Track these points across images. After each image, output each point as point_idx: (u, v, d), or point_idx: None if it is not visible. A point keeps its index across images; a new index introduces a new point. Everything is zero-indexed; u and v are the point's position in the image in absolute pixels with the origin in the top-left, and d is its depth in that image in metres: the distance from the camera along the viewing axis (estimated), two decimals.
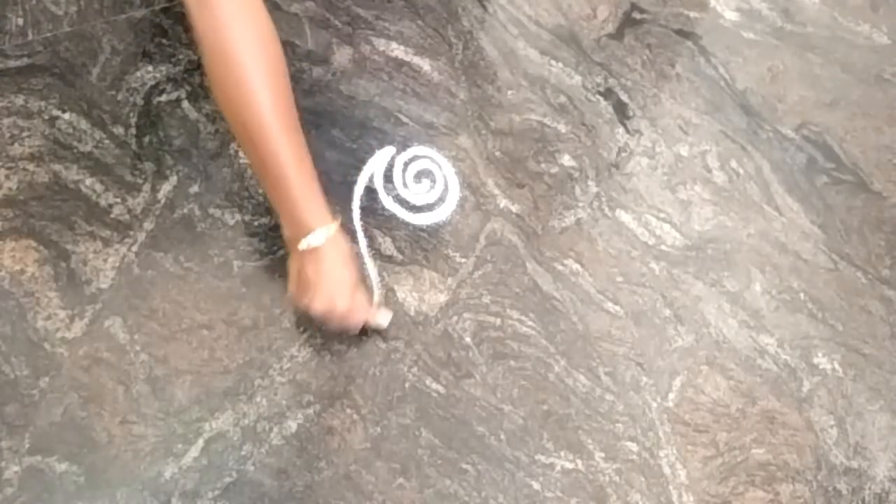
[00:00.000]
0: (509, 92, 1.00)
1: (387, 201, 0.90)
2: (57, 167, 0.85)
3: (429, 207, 0.91)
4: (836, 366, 0.93)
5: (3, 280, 0.79)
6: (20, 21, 0.91)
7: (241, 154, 0.89)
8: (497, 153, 0.96)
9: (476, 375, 0.84)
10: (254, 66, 0.65)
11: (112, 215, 0.84)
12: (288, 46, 0.96)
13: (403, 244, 0.89)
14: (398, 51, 0.99)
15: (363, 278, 0.80)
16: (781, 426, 0.88)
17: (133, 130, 0.88)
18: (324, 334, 0.82)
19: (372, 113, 0.95)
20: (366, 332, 0.82)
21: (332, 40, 0.98)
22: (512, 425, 0.83)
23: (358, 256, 0.84)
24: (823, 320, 0.95)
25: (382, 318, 0.81)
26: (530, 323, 0.88)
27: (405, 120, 0.96)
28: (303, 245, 0.71)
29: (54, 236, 0.82)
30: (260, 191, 0.88)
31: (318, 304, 0.73)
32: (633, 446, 0.84)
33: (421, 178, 0.93)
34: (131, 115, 0.89)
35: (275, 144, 0.67)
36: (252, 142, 0.68)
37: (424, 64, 0.99)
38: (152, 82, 0.90)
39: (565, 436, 0.84)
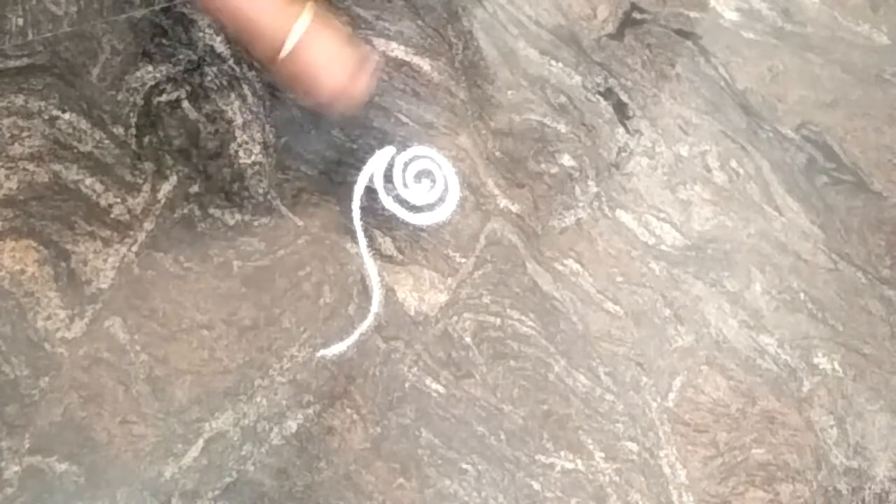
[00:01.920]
0: (509, 92, 1.00)
1: (387, 201, 0.90)
2: (57, 167, 0.85)
3: (429, 207, 0.91)
4: (836, 366, 0.93)
5: (3, 280, 0.79)
6: (20, 21, 0.91)
7: (240, 154, 0.89)
8: (497, 153, 0.96)
9: (476, 375, 0.84)
10: None
11: (112, 215, 0.84)
12: None
13: (403, 244, 0.89)
14: (398, 51, 0.99)
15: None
16: (781, 426, 0.88)
17: (133, 130, 0.88)
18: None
19: (372, 113, 0.95)
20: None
21: None
22: (512, 425, 0.83)
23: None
24: (823, 320, 0.95)
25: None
26: (530, 323, 0.88)
27: (405, 120, 0.96)
28: (283, 53, 0.69)
29: (54, 236, 0.82)
30: (260, 190, 0.88)
31: (322, 94, 0.73)
32: (633, 446, 0.84)
33: (421, 178, 0.93)
34: (131, 115, 0.88)
35: None
36: None
37: (424, 64, 0.99)
38: (152, 82, 0.90)
39: (565, 436, 0.84)
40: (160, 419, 0.77)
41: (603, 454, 0.83)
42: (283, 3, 0.71)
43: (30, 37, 0.90)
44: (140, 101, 0.89)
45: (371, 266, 0.86)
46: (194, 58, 0.92)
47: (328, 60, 0.73)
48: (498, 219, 0.93)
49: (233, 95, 0.91)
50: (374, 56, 0.78)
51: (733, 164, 1.02)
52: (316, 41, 0.72)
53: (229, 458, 0.76)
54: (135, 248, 0.83)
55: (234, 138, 0.89)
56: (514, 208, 0.94)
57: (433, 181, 0.93)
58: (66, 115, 0.87)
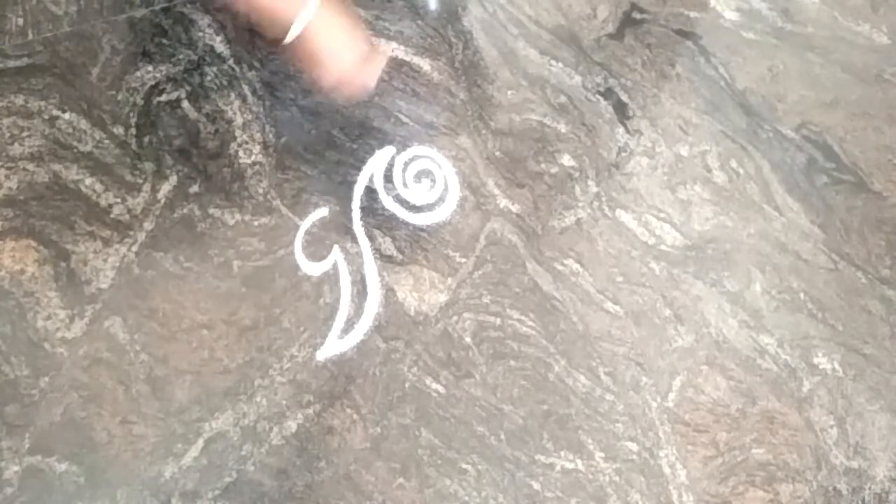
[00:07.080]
0: (509, 92, 1.00)
1: (387, 201, 0.90)
2: (57, 167, 0.85)
3: (429, 207, 0.91)
4: (836, 366, 0.93)
5: (3, 280, 0.79)
6: (20, 21, 0.91)
7: (240, 154, 0.89)
8: (497, 153, 0.96)
9: (476, 375, 0.84)
10: None
11: (112, 215, 0.84)
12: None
13: (403, 244, 0.89)
14: (398, 51, 0.99)
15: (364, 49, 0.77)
16: (781, 426, 0.88)
17: (133, 130, 0.88)
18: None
19: (372, 113, 0.95)
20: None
21: None
22: (512, 425, 0.83)
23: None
24: (823, 320, 0.95)
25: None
26: (530, 323, 0.88)
27: (405, 120, 0.96)
28: (289, 38, 0.71)
29: (54, 236, 0.82)
30: (260, 190, 0.88)
31: (328, 79, 0.73)
32: (633, 446, 0.84)
33: (421, 178, 0.93)
34: (131, 115, 0.89)
35: None
36: None
37: (424, 64, 0.99)
38: (152, 82, 0.90)
39: (565, 436, 0.84)
40: (160, 419, 0.77)
41: (603, 454, 0.83)
42: None
43: (30, 37, 0.90)
44: (140, 101, 0.89)
45: (371, 266, 0.86)
46: (194, 58, 0.92)
47: (334, 47, 0.74)
48: (498, 219, 0.93)
49: (233, 95, 0.91)
50: (382, 46, 0.78)
51: (733, 164, 1.02)
52: (323, 27, 0.72)
53: (229, 458, 0.76)
54: (135, 248, 0.83)
55: (234, 138, 0.89)
56: (514, 208, 0.93)
57: (433, 181, 0.93)
58: (66, 115, 0.87)
